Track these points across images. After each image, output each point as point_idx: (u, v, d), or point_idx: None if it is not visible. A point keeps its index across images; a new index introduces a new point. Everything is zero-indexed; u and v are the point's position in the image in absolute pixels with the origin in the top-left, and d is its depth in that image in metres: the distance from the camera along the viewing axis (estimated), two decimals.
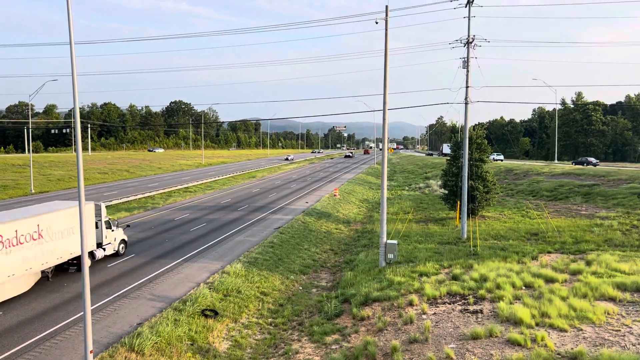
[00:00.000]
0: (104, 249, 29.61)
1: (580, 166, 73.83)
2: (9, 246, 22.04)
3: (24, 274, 23.13)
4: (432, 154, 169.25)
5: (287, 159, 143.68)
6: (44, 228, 24.19)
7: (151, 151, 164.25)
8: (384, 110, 28.79)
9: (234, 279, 26.56)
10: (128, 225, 35.87)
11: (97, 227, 29.01)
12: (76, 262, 27.18)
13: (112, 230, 30.71)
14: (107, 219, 30.24)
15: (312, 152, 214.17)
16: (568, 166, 74.32)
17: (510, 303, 19.80)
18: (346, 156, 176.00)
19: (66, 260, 26.39)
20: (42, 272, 25.38)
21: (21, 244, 22.78)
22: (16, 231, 22.46)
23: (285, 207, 52.58)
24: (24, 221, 23.16)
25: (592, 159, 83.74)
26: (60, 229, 25.46)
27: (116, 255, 31.05)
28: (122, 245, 31.69)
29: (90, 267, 26.85)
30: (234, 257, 31.54)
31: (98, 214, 29.33)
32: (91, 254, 28.23)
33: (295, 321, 22.97)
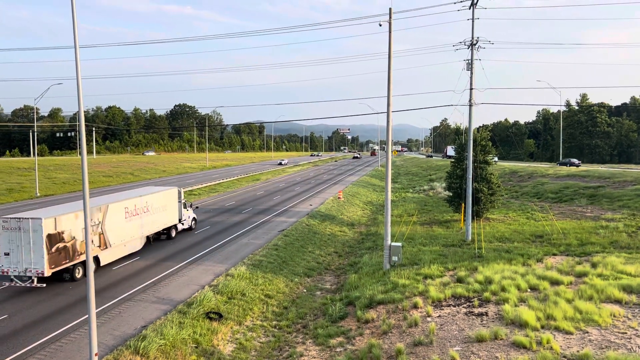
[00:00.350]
0: (182, 224, 39.17)
1: (564, 167, 78.36)
2: (131, 216, 31.21)
3: (139, 236, 32.48)
4: (431, 156, 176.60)
5: (280, 164, 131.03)
6: (149, 205, 33.47)
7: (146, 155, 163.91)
8: (387, 112, 28.79)
9: (239, 281, 26.58)
10: (197, 207, 45.92)
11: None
12: (166, 232, 36.92)
13: (187, 210, 40.08)
14: (184, 201, 39.29)
15: (312, 155, 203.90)
16: (573, 168, 74.07)
17: (516, 305, 19.72)
18: (354, 157, 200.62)
19: (161, 229, 35.80)
20: (147, 237, 34.21)
21: (137, 214, 32.00)
22: (135, 205, 31.66)
23: (289, 210, 52.59)
24: (139, 199, 32.33)
25: (575, 160, 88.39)
26: (158, 206, 34.70)
27: (189, 229, 40.26)
28: (193, 222, 41.22)
29: (157, 241, 36.57)
30: (238, 259, 31.56)
31: (179, 197, 38.18)
32: (174, 227, 37.93)
33: (300, 324, 22.95)
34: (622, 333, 16.76)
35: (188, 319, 21.11)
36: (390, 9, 27.74)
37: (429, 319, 19.74)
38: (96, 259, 28.00)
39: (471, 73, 34.08)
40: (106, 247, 28.89)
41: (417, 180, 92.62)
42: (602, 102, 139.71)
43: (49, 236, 24.67)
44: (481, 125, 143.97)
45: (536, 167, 78.09)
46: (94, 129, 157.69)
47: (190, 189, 69.96)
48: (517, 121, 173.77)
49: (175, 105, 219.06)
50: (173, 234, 37.64)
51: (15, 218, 24.74)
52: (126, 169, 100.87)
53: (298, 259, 33.97)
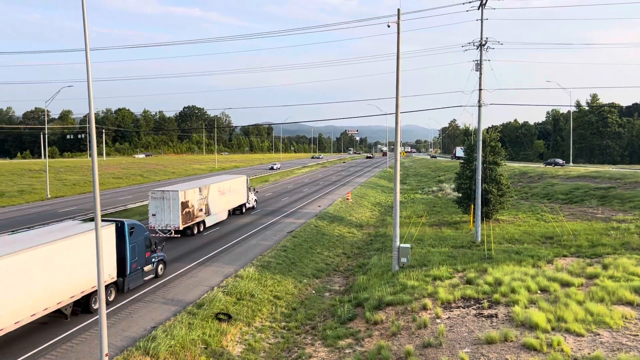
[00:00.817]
0: (249, 203, 52.00)
1: (550, 166, 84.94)
2: (221, 194, 43.91)
3: (225, 209, 45.52)
4: (435, 157, 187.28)
5: (271, 168, 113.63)
6: (230, 187, 46.26)
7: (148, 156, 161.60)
8: (396, 113, 28.75)
9: (248, 282, 26.64)
10: (257, 191, 58.82)
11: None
12: (239, 208, 49.96)
13: (251, 193, 52.92)
14: (250, 186, 52.48)
15: (312, 158, 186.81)
16: (583, 169, 73.53)
17: (526, 307, 19.61)
18: (367, 157, 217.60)
19: (236, 205, 48.63)
20: (228, 211, 46.66)
21: (224, 194, 44.47)
22: (223, 187, 44.38)
23: (297, 211, 52.64)
24: (225, 182, 45.22)
25: (559, 160, 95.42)
26: (235, 189, 47.50)
27: (252, 208, 53.07)
28: (255, 202, 54.10)
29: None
30: (247, 260, 31.64)
31: (247, 183, 50.78)
32: (244, 205, 50.69)
33: (309, 325, 22.96)
34: (634, 335, 16.62)
35: (197, 320, 21.18)
36: (398, 10, 27.72)
37: (438, 320, 19.67)
38: (203, 222, 40.74)
39: (480, 74, 33.96)
40: (209, 215, 41.44)
41: (426, 182, 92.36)
42: (612, 102, 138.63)
43: (182, 203, 36.52)
44: (490, 126, 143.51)
45: (546, 168, 77.61)
46: (103, 131, 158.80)
47: None
48: (527, 122, 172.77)
49: (185, 107, 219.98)
50: (243, 210, 51.10)
51: (160, 190, 37.06)
52: (136, 170, 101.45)
53: (307, 260, 33.98)
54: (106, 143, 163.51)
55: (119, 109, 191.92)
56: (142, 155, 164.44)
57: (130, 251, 24.82)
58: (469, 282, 23.98)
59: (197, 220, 39.26)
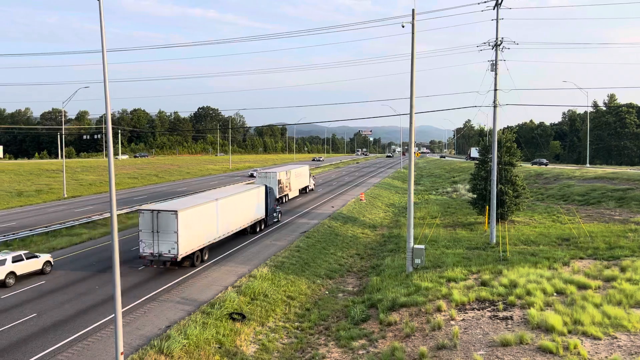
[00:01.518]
0: (310, 186, 71.00)
1: (537, 166, 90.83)
2: (295, 177, 62.65)
3: (298, 188, 64.04)
4: (444, 157, 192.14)
5: (251, 175, 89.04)
6: (300, 173, 64.60)
7: (137, 157, 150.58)
8: (410, 114, 28.63)
9: (261, 282, 26.72)
10: (315, 177, 78.03)
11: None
12: (304, 189, 67.92)
13: (312, 179, 72.10)
14: (311, 173, 71.07)
15: (313, 160, 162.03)
16: (600, 170, 72.57)
17: (541, 310, 19.41)
18: (387, 156, 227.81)
19: (303, 187, 66.74)
20: (299, 190, 64.67)
21: (297, 177, 63.50)
22: (297, 172, 63.27)
23: (311, 212, 52.66)
24: (297, 169, 64.34)
25: (544, 160, 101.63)
26: (303, 174, 66.13)
27: (312, 190, 71.66)
28: (313, 186, 72.91)
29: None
30: (260, 260, 31.73)
31: (308, 171, 69.64)
32: (307, 187, 69.49)
33: (322, 325, 22.96)
34: None
35: (211, 320, 21.30)
36: (413, 10, 27.62)
37: (452, 322, 19.55)
38: (287, 195, 59.56)
39: (495, 74, 33.71)
40: (290, 190, 60.93)
41: (440, 182, 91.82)
42: (630, 103, 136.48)
43: (278, 180, 55.65)
44: (506, 126, 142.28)
45: (562, 169, 76.76)
46: (119, 131, 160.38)
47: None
48: (543, 122, 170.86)
49: (199, 108, 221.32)
50: (307, 190, 70.21)
51: (264, 171, 56.98)
52: (150, 170, 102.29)
53: (320, 260, 33.98)
54: (122, 143, 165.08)
55: (135, 110, 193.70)
56: (125, 156, 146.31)
57: (269, 203, 43.68)
58: (483, 283, 23.81)
59: (284, 193, 58.55)
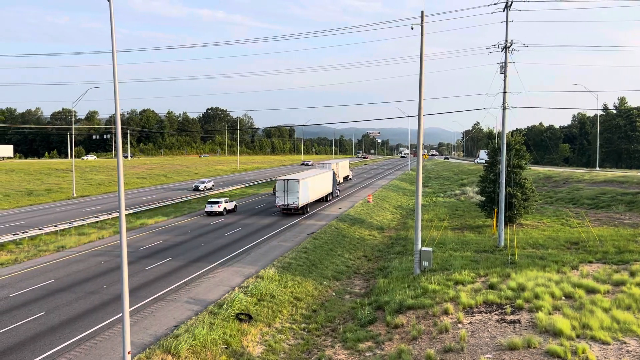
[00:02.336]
0: (349, 177, 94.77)
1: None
2: (342, 168, 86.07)
3: (343, 177, 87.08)
4: (447, 158, 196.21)
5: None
6: (342, 165, 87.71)
7: (125, 157, 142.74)
8: (419, 115, 28.57)
9: (268, 283, 26.74)
10: (352, 170, 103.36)
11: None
12: (345, 178, 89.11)
13: (350, 171, 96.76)
14: (349, 165, 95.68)
15: (302, 164, 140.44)
16: (610, 174, 72.00)
17: (550, 313, 19.27)
18: (402, 157, 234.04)
19: (345, 176, 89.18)
20: (344, 177, 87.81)
21: (342, 168, 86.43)
22: (342, 164, 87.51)
23: (318, 213, 52.67)
24: (341, 162, 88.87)
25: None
26: (344, 166, 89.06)
27: (350, 180, 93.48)
28: (351, 176, 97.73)
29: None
30: (267, 261, 31.77)
31: (348, 165, 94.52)
32: (347, 177, 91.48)
33: (329, 327, 22.94)
34: None
35: (218, 320, 21.34)
36: (422, 11, 27.57)
37: (459, 325, 19.47)
38: (337, 181, 69.58)
39: (505, 76, 33.57)
40: (339, 177, 76.90)
41: (449, 185, 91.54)
42: None
43: (332, 170, 66.16)
44: (515, 129, 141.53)
45: (572, 173, 76.25)
46: (128, 131, 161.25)
47: (221, 191, 70.77)
48: (552, 125, 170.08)
49: (208, 109, 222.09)
50: (348, 179, 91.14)
51: (321, 163, 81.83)
52: (159, 171, 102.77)
53: (327, 262, 33.97)
54: (131, 144, 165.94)
55: (144, 110, 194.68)
56: (92, 157, 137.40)
57: (334, 182, 64.62)
58: (491, 287, 23.68)
59: (315, 198, 62.36)
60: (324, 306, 25.88)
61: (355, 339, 20.67)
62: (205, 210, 50.26)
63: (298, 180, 49.13)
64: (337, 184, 71.08)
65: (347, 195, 69.11)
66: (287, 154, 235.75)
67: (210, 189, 73.91)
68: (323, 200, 60.32)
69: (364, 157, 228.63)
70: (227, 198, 53.32)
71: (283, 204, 49.81)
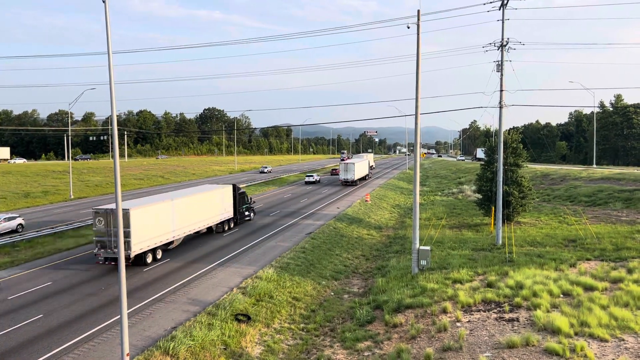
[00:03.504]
0: (371, 173, 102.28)
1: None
2: (366, 166, 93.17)
3: (365, 174, 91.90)
4: (440, 156, 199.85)
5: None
6: (368, 161, 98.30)
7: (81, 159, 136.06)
8: (416, 114, 28.57)
9: (266, 284, 26.73)
10: (373, 166, 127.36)
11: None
12: (369, 174, 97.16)
13: (371, 165, 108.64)
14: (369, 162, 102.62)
15: (261, 172, 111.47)
16: (607, 171, 72.17)
17: (548, 311, 19.31)
18: (407, 155, 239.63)
19: (368, 172, 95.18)
20: (367, 174, 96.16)
21: (366, 166, 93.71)
22: (365, 161, 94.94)
23: (316, 213, 52.66)
24: (365, 159, 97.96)
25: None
26: (367, 162, 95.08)
27: (372, 175, 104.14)
28: (374, 166, 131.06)
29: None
30: (266, 262, 31.75)
31: (369, 163, 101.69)
32: (371, 170, 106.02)
33: (327, 327, 22.94)
34: None
35: (217, 321, 21.32)
36: (418, 10, 27.58)
37: (458, 324, 19.49)
38: (363, 178, 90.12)
39: (501, 74, 33.59)
40: (362, 173, 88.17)
41: (446, 183, 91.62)
42: (638, 103, 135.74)
43: (360, 167, 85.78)
44: (512, 127, 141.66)
45: (569, 170, 76.40)
46: (125, 132, 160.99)
47: None
48: (549, 123, 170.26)
49: (205, 109, 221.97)
50: (372, 168, 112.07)
51: (344, 163, 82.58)
52: (156, 172, 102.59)
53: (325, 262, 33.97)
54: (128, 145, 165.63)
55: (141, 111, 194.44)
56: (20, 161, 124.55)
57: (369, 168, 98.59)
58: (489, 285, 23.72)
59: (359, 177, 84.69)
60: (322, 306, 25.88)
61: (354, 338, 20.67)
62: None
63: (354, 164, 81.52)
64: (371, 169, 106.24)
65: (345, 195, 69.15)
66: (284, 153, 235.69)
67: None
68: (364, 179, 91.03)
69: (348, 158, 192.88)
70: None
71: (345, 179, 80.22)
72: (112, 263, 28.97)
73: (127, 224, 27.85)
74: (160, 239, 31.38)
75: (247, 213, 46.27)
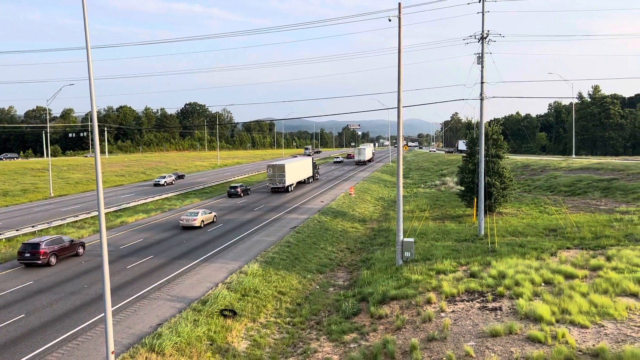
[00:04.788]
0: (372, 159, 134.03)
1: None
2: (370, 152, 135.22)
3: (370, 156, 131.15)
4: (421, 148, 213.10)
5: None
6: (372, 150, 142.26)
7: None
8: (398, 107, 28.70)
9: (252, 278, 26.71)
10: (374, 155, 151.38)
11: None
12: (371, 160, 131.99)
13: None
14: (373, 150, 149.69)
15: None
16: (586, 161, 73.31)
17: (530, 300, 19.64)
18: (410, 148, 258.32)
19: (370, 158, 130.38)
20: (371, 156, 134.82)
21: (369, 152, 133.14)
22: (370, 148, 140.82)
23: (300, 207, 52.68)
24: (369, 147, 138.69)
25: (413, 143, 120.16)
26: (370, 150, 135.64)
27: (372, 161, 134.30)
28: (372, 158, 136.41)
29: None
30: (251, 257, 31.71)
31: (373, 149, 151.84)
32: (373, 156, 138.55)
33: (313, 320, 23.04)
34: (639, 326, 16.62)
35: (202, 317, 21.27)
36: (399, 3, 27.63)
37: (442, 314, 19.72)
38: (368, 160, 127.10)
39: (482, 67, 33.87)
40: (367, 157, 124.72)
41: (429, 175, 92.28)
42: (614, 94, 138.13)
43: (366, 152, 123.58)
44: (493, 118, 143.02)
45: (549, 161, 77.45)
46: (105, 128, 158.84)
47: (202, 187, 70.29)
48: (529, 114, 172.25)
49: (186, 104, 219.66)
50: (373, 159, 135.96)
51: (357, 148, 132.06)
52: (138, 168, 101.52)
53: (310, 255, 34.04)
54: (108, 141, 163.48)
55: (121, 107, 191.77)
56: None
57: (372, 155, 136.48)
58: (472, 275, 24.01)
59: (367, 159, 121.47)
60: (308, 299, 25.97)
61: (340, 330, 20.81)
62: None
63: (365, 149, 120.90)
64: (373, 156, 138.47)
65: (329, 188, 69.25)
66: (267, 148, 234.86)
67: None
68: (371, 160, 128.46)
69: (312, 154, 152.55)
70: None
71: (358, 159, 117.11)
72: (276, 191, 63.65)
73: (282, 171, 62.38)
74: (293, 180, 66.26)
75: (317, 176, 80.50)
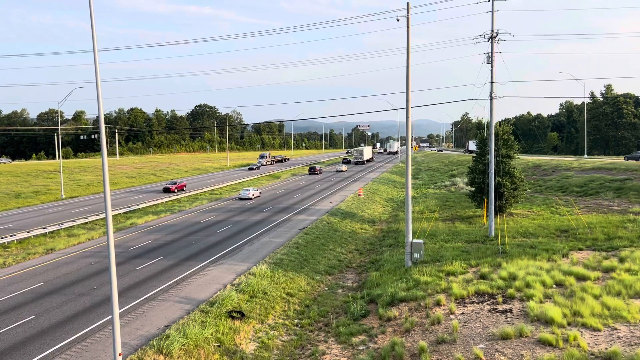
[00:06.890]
0: (374, 159, 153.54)
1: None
2: (371, 152, 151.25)
3: (370, 156, 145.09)
4: (430, 147, 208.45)
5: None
6: (371, 150, 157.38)
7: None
8: (407, 108, 28.52)
9: (260, 280, 26.65)
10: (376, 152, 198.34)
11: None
12: (371, 159, 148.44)
13: (374, 153, 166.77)
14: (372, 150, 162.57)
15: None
16: (599, 161, 72.48)
17: (541, 302, 19.38)
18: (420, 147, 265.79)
19: (371, 156, 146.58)
20: (372, 155, 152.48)
21: (370, 151, 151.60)
22: (370, 148, 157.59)
23: (309, 208, 52.60)
24: (368, 148, 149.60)
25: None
26: (370, 150, 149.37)
27: (373, 160, 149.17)
28: (374, 156, 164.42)
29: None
30: (259, 258, 31.67)
31: (372, 150, 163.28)
32: (373, 157, 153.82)
33: (322, 322, 22.92)
34: None
35: (210, 318, 21.23)
36: (407, 3, 27.47)
37: (452, 316, 19.52)
38: (372, 159, 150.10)
39: (491, 66, 33.60)
40: (369, 156, 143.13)
41: (439, 176, 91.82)
42: (628, 93, 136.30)
43: (367, 151, 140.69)
44: (503, 118, 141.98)
45: (560, 161, 76.73)
46: (116, 130, 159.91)
47: (211, 188, 70.48)
48: (540, 114, 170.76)
49: (196, 106, 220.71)
50: (373, 158, 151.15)
51: (355, 149, 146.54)
52: (148, 169, 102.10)
53: (319, 257, 33.93)
54: (119, 143, 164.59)
55: (132, 109, 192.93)
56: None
57: (373, 154, 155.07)
58: (483, 277, 23.77)
59: (367, 159, 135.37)
60: (316, 301, 25.85)
61: (348, 333, 20.68)
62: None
63: (363, 150, 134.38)
64: (373, 155, 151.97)
65: (338, 190, 69.14)
66: (277, 149, 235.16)
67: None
68: (371, 160, 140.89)
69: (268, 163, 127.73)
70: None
71: (357, 160, 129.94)
72: (359, 164, 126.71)
73: (361, 153, 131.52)
74: (367, 157, 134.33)
75: (373, 160, 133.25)
